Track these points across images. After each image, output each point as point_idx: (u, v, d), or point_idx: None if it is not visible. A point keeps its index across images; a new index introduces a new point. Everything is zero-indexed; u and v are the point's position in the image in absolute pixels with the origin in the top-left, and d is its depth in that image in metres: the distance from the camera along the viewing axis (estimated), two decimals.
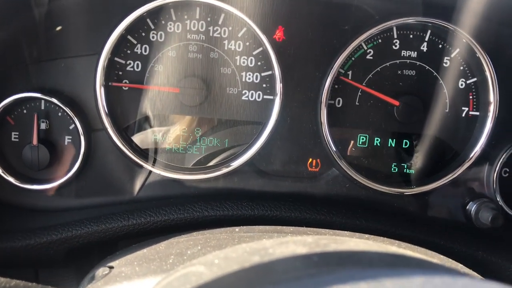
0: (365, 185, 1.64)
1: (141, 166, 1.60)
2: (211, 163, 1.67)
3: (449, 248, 1.58)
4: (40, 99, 1.56)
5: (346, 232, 1.40)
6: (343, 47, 1.58)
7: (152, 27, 1.58)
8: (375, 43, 1.63)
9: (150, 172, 1.61)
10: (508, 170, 1.70)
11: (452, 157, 1.71)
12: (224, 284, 0.74)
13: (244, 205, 1.55)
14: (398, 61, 1.64)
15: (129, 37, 1.58)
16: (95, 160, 1.60)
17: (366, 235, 1.39)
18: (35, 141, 1.53)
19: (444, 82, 1.66)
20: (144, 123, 1.64)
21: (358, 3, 1.58)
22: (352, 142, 1.70)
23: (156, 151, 1.65)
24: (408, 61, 1.64)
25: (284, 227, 1.41)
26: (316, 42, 1.59)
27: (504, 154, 1.66)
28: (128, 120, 1.62)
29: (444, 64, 1.65)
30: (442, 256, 1.30)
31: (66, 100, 1.55)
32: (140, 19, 1.55)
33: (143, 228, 1.52)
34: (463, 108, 1.69)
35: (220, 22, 1.59)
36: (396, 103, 1.63)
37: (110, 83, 1.59)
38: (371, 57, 1.64)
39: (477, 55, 1.61)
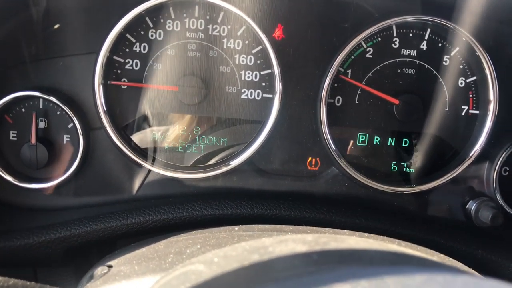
0: (365, 184, 1.63)
1: (140, 165, 1.59)
2: (210, 162, 1.67)
3: (449, 247, 1.57)
4: (39, 97, 1.55)
5: (345, 231, 1.40)
6: (342, 46, 1.58)
7: (151, 25, 1.58)
8: (374, 41, 1.63)
9: (149, 171, 1.60)
10: (508, 168, 1.70)
11: (452, 156, 1.71)
12: (224, 283, 0.73)
13: (243, 204, 1.55)
14: (397, 59, 1.64)
15: (128, 35, 1.57)
16: (94, 159, 1.60)
17: (366, 234, 1.39)
18: (33, 140, 1.53)
19: (444, 80, 1.65)
20: (143, 122, 1.64)
21: (357, 1, 1.57)
22: (351, 141, 1.69)
23: (155, 150, 1.65)
24: (407, 59, 1.64)
25: (283, 226, 1.41)
26: (316, 41, 1.59)
27: (504, 153, 1.66)
28: (127, 119, 1.62)
29: (444, 63, 1.65)
30: (442, 255, 1.30)
31: (64, 98, 1.55)
32: (139, 18, 1.55)
33: (142, 227, 1.52)
34: (463, 106, 1.68)
35: (219, 21, 1.58)
36: (396, 101, 1.63)
37: (108, 82, 1.58)
38: (371, 56, 1.64)
39: (477, 53, 1.60)
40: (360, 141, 1.69)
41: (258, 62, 1.62)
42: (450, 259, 1.28)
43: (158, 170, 1.59)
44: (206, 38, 1.59)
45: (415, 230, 1.59)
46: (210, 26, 1.58)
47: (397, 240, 1.36)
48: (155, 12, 1.56)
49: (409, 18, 1.58)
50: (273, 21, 1.56)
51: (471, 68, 1.66)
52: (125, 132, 1.62)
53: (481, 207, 1.61)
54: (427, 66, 1.65)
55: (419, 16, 1.58)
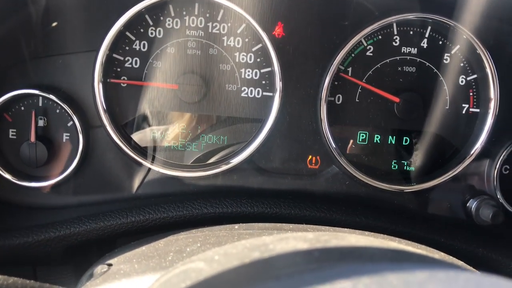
0: (365, 182, 1.63)
1: (140, 164, 1.59)
2: (210, 161, 1.66)
3: (449, 245, 1.57)
4: (38, 95, 1.55)
5: (346, 229, 1.39)
6: (343, 44, 1.58)
7: (151, 23, 1.57)
8: (375, 39, 1.63)
9: (149, 169, 1.60)
10: (508, 167, 1.70)
11: (453, 154, 1.71)
12: (224, 280, 0.73)
13: (243, 202, 1.54)
14: (398, 57, 1.64)
15: (127, 33, 1.57)
16: (94, 157, 1.60)
17: (366, 233, 1.38)
18: (33, 138, 1.52)
19: (445, 78, 1.65)
20: (143, 120, 1.63)
21: None
22: (352, 139, 1.69)
23: (155, 148, 1.64)
24: (408, 57, 1.64)
25: (283, 224, 1.40)
26: (316, 39, 1.58)
27: (505, 151, 1.66)
28: (126, 117, 1.61)
29: (445, 61, 1.65)
30: (442, 253, 1.29)
31: (64, 96, 1.54)
32: (139, 15, 1.54)
33: (142, 226, 1.51)
34: (463, 105, 1.68)
35: (219, 18, 1.58)
36: (396, 99, 1.62)
37: (108, 80, 1.58)
38: (371, 54, 1.63)
39: (477, 51, 1.60)
40: (360, 140, 1.69)
41: (258, 60, 1.61)
42: (451, 257, 1.28)
43: (158, 169, 1.59)
44: (206, 36, 1.58)
45: (416, 228, 1.59)
46: (210, 24, 1.58)
47: (397, 238, 1.36)
48: (155, 10, 1.56)
49: (410, 16, 1.58)
50: (273, 19, 1.55)
51: (471, 66, 1.66)
52: (124, 131, 1.62)
53: (481, 206, 1.61)
54: (427, 64, 1.64)
55: (420, 14, 1.57)
